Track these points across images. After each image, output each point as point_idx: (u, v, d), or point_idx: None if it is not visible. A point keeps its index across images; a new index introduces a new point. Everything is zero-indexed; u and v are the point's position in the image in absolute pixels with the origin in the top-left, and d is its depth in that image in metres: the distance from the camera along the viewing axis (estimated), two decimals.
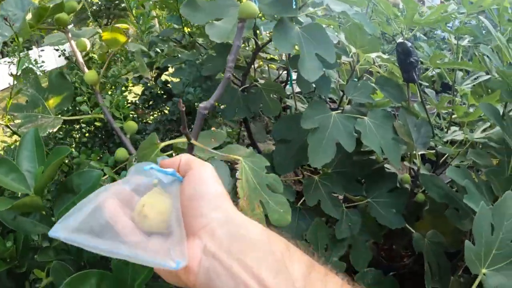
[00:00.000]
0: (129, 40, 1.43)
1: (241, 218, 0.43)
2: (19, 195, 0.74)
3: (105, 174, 0.90)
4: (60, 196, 0.72)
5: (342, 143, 0.99)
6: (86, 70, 0.96)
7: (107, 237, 0.40)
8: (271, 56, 1.46)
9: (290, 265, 0.40)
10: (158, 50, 1.14)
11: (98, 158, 0.94)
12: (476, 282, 0.75)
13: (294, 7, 0.90)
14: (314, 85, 1.08)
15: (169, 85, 1.24)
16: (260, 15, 1.36)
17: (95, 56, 1.05)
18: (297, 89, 1.29)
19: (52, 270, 0.72)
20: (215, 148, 0.88)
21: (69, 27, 1.05)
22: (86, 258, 0.84)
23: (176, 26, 1.40)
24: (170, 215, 0.42)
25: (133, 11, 1.45)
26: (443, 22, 1.13)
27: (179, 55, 1.24)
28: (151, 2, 1.48)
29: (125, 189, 0.45)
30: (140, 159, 0.82)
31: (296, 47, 0.99)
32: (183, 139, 0.79)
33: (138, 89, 1.29)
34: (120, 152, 0.89)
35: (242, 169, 0.73)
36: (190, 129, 0.81)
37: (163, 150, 0.90)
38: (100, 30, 1.07)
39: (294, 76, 1.35)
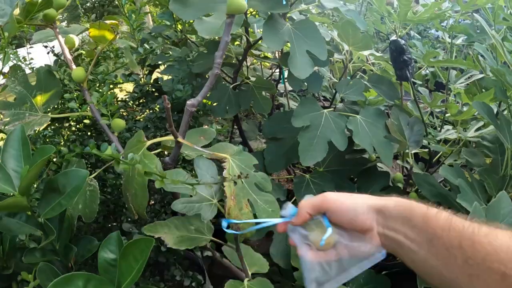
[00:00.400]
0: (121, 37, 1.42)
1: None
2: (5, 195, 0.73)
3: (91, 173, 0.89)
4: (45, 196, 0.71)
5: (333, 142, 0.98)
6: (74, 67, 0.94)
7: (334, 274, 0.54)
8: (265, 53, 1.45)
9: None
10: (147, 46, 1.12)
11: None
12: None
13: (284, 3, 0.89)
14: (305, 83, 1.06)
15: (160, 82, 1.22)
16: (253, 12, 1.35)
17: (85, 52, 1.03)
18: (290, 87, 1.28)
19: (39, 272, 0.71)
20: (204, 146, 0.87)
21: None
22: (73, 259, 0.83)
23: (167, 23, 1.39)
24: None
25: (125, 8, 1.43)
26: (437, 19, 1.12)
27: (170, 52, 1.22)
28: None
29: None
30: (127, 156, 0.80)
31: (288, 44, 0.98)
32: (170, 137, 0.77)
33: (130, 87, 1.28)
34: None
35: (230, 167, 0.71)
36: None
37: (151, 148, 0.89)
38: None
39: (286, 74, 1.34)
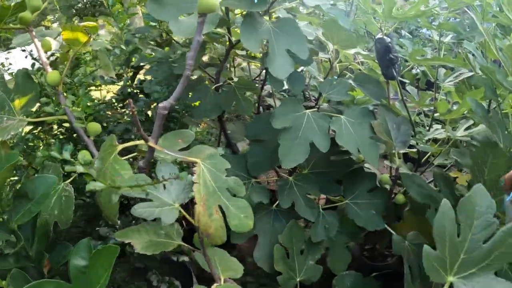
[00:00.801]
0: (112, 38, 1.40)
1: None
2: None
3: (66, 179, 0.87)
4: (16, 203, 0.70)
5: (315, 143, 0.96)
6: (50, 70, 0.92)
7: None
8: (252, 53, 1.42)
9: None
10: (123, 47, 1.10)
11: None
12: None
13: (255, 1, 0.86)
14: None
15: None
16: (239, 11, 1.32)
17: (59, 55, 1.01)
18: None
19: (11, 278, 0.70)
20: (183, 149, 0.85)
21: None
22: (48, 265, 0.81)
23: (153, 23, 1.36)
24: None
25: (112, 9, 1.41)
26: (423, 16, 1.09)
27: (153, 53, 1.20)
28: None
29: None
30: (100, 160, 0.78)
31: None
32: (142, 141, 0.75)
33: (116, 89, 1.26)
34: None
35: (200, 172, 0.69)
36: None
37: (124, 153, 0.87)
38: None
39: None
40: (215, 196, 0.69)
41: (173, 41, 1.31)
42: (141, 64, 1.23)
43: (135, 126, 1.06)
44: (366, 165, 1.17)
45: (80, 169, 0.68)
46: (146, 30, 1.33)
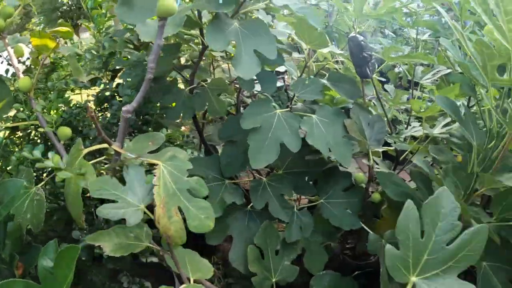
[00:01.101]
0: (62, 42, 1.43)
1: None
2: None
3: (38, 182, 0.91)
4: None
5: (286, 143, 0.99)
6: (22, 76, 0.96)
7: None
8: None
9: None
10: (94, 52, 1.13)
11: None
12: None
13: (220, 2, 0.89)
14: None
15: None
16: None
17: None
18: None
19: None
20: (152, 152, 0.88)
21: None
22: (22, 267, 0.85)
23: (130, 26, 1.40)
24: None
25: (91, 12, 1.45)
26: (395, 14, 1.12)
27: (129, 56, 1.24)
28: (108, 3, 1.48)
29: None
30: (68, 164, 0.82)
31: None
32: (101, 145, 0.79)
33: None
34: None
35: (160, 174, 0.72)
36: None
37: (92, 155, 0.90)
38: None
39: None
40: (175, 197, 0.72)
41: (150, 43, 1.34)
42: (118, 67, 1.27)
43: (109, 130, 1.09)
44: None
45: (49, 163, 0.72)
46: (123, 33, 1.36)
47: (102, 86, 1.20)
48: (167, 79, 1.21)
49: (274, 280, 1.07)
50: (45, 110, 0.92)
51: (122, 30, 1.39)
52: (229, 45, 0.94)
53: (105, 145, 0.80)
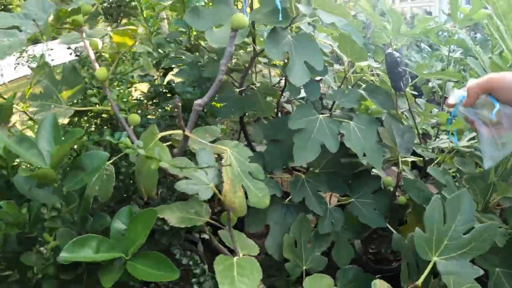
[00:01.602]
0: (138, 40, 1.66)
1: None
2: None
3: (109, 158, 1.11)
4: (70, 172, 0.93)
5: (326, 144, 1.19)
6: (97, 66, 1.17)
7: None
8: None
9: None
10: (161, 51, 1.35)
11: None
12: (428, 268, 0.93)
13: (280, 19, 1.10)
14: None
15: (172, 84, 1.45)
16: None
17: (105, 54, 1.26)
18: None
19: (59, 235, 0.92)
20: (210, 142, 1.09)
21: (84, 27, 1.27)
22: (90, 228, 1.05)
23: (182, 29, 1.62)
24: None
25: (144, 13, 1.68)
26: (430, 33, 1.32)
27: (183, 57, 1.45)
28: (161, 5, 1.70)
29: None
30: (142, 146, 1.02)
31: None
32: (179, 131, 0.99)
33: (143, 87, 1.51)
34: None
35: (228, 157, 0.93)
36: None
37: (162, 140, 1.11)
38: (109, 30, 1.29)
39: None
40: (239, 177, 0.92)
41: (200, 46, 1.56)
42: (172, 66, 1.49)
43: (165, 121, 1.31)
44: (373, 169, 1.40)
45: (128, 143, 0.92)
46: (176, 35, 1.58)
47: (156, 82, 1.42)
48: None
49: (304, 268, 1.25)
50: (118, 99, 1.13)
51: (174, 33, 1.62)
52: (283, 55, 1.15)
53: (177, 131, 1.00)
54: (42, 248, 0.96)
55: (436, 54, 1.87)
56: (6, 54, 1.06)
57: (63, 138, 0.92)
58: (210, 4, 1.51)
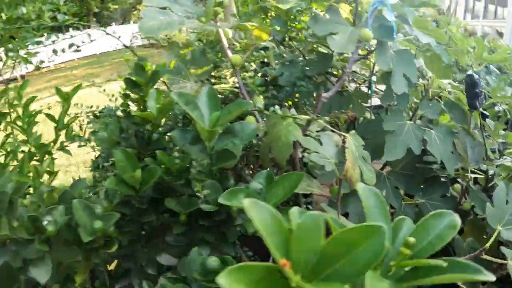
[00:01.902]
0: None
1: None
2: None
3: None
4: (222, 136, 1.19)
5: (411, 146, 1.45)
6: (229, 53, 1.43)
7: None
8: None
9: None
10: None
11: None
12: (495, 235, 1.18)
13: (394, 36, 1.38)
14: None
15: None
16: None
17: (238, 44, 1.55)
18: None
19: (206, 186, 1.18)
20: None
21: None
22: None
23: (278, 28, 1.90)
24: None
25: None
26: (507, 61, 1.59)
27: (284, 55, 1.73)
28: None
29: None
30: (272, 124, 1.29)
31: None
32: (306, 116, 1.26)
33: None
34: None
35: (350, 142, 1.19)
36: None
37: None
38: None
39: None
40: (356, 159, 1.19)
41: (292, 45, 1.84)
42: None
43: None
44: (442, 175, 1.66)
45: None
46: (276, 34, 1.86)
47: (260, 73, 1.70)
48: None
49: None
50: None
51: (276, 32, 1.89)
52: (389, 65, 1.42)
53: (306, 117, 1.27)
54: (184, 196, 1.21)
55: (504, 78, 2.10)
56: (160, 31, 1.32)
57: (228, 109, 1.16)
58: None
